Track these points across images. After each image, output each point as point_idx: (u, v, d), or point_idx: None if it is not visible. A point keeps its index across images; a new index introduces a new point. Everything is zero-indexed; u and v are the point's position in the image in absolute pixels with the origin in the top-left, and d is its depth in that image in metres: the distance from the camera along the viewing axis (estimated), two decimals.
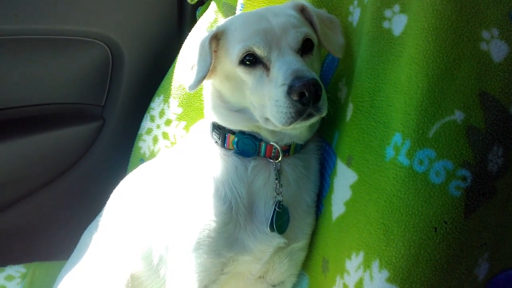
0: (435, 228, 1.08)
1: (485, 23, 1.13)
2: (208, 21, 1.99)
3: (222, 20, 1.98)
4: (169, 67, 2.06)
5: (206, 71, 1.27)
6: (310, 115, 1.19)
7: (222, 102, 1.35)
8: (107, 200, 1.71)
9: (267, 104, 1.22)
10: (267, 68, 1.24)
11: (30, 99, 2.01)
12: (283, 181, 1.35)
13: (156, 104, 2.00)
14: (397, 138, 1.16)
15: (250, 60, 1.24)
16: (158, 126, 1.97)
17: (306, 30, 1.28)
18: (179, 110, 1.93)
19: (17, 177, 1.98)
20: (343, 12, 1.54)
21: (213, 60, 1.28)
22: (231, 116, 1.34)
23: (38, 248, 2.02)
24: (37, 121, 2.00)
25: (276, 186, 1.33)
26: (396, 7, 1.25)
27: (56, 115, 2.05)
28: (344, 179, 1.29)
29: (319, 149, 1.44)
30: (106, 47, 2.07)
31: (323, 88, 1.19)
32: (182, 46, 2.05)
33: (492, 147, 1.11)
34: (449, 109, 1.12)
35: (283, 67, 1.19)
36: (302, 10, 1.37)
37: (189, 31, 2.08)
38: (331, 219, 1.31)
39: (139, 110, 2.07)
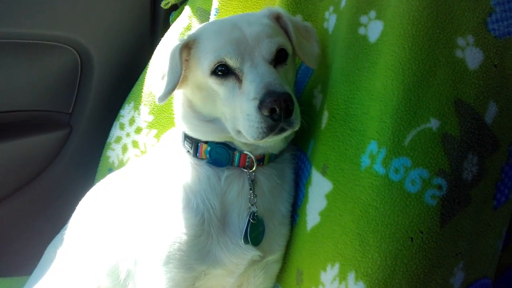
0: (411, 238, 1.06)
1: (460, 30, 1.12)
2: (182, 26, 1.96)
3: (196, 26, 1.95)
4: (141, 73, 2.01)
5: (175, 82, 1.23)
6: (282, 130, 1.16)
7: (193, 112, 1.31)
8: (72, 212, 1.64)
9: (239, 117, 1.19)
10: (239, 80, 1.20)
11: None
12: (258, 191, 1.31)
13: (126, 112, 1.94)
14: (372, 146, 1.14)
15: (222, 71, 1.21)
16: (128, 134, 1.92)
17: (280, 40, 1.24)
18: (150, 118, 1.87)
19: None
20: (318, 18, 1.53)
21: (183, 71, 1.25)
22: (203, 126, 1.30)
23: None
24: (1, 128, 1.91)
25: (250, 196, 1.29)
26: (372, 13, 1.23)
27: (21, 122, 1.97)
28: (319, 188, 1.26)
29: (294, 158, 1.41)
30: (75, 52, 2.01)
31: (295, 103, 1.16)
32: (155, 52, 2.01)
33: (467, 155, 1.10)
34: (425, 116, 1.10)
35: (255, 80, 1.16)
36: (277, 18, 1.33)
37: (162, 36, 2.04)
38: (305, 230, 1.27)
39: (108, 118, 2.00)
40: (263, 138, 1.15)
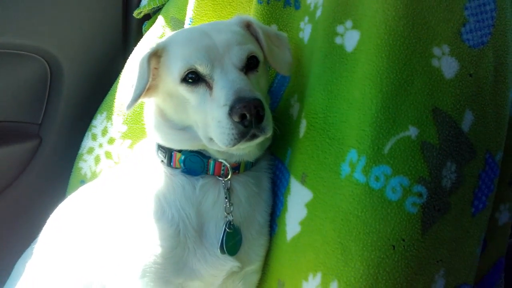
0: (393, 246, 1.06)
1: (436, 40, 1.14)
2: (156, 35, 1.93)
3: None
4: (113, 83, 1.97)
5: (142, 89, 1.21)
6: (254, 136, 1.16)
7: (165, 121, 1.29)
8: (43, 225, 1.58)
9: (210, 124, 1.17)
10: (210, 87, 1.19)
11: None
12: (234, 200, 1.29)
13: (99, 122, 1.90)
14: (352, 154, 1.15)
15: (193, 78, 1.20)
16: (100, 145, 1.87)
17: (250, 47, 1.24)
18: (124, 128, 1.83)
19: None
20: (293, 28, 1.53)
21: (151, 79, 1.23)
22: (175, 135, 1.28)
23: None
24: None
25: (226, 205, 1.27)
26: (349, 23, 1.24)
27: None
28: (298, 197, 1.25)
29: (271, 167, 1.40)
30: (44, 61, 1.95)
31: (266, 108, 1.16)
32: (127, 61, 1.97)
33: (445, 162, 1.11)
34: (404, 124, 1.11)
35: (225, 87, 1.15)
36: (248, 26, 1.33)
37: (135, 45, 2.00)
38: (285, 240, 1.26)
39: (79, 128, 1.95)
40: (234, 144, 1.14)
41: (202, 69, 1.19)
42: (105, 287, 1.32)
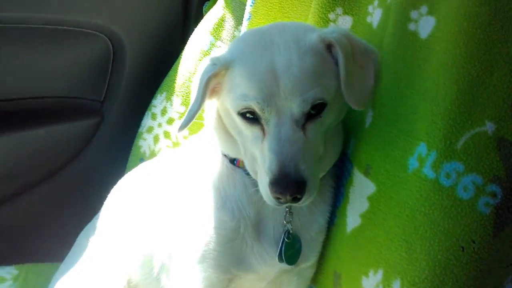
0: (462, 248, 1.01)
1: None
2: (216, 17, 1.92)
3: (230, 18, 1.90)
4: (173, 64, 1.98)
5: (196, 111, 1.16)
6: (296, 200, 1.08)
7: (223, 128, 1.23)
8: (104, 200, 1.63)
9: (258, 163, 1.13)
10: (263, 131, 1.12)
11: (26, 91, 1.91)
12: (294, 209, 1.25)
13: (158, 102, 1.92)
14: (421, 148, 1.09)
15: (250, 114, 1.12)
16: (159, 125, 1.89)
17: (317, 94, 1.10)
18: (182, 109, 1.84)
19: (8, 173, 1.88)
20: (361, 12, 1.47)
21: (206, 100, 1.18)
22: (231, 144, 1.23)
23: (30, 249, 1.92)
24: (32, 114, 1.91)
25: (286, 214, 1.24)
26: (424, 9, 1.17)
27: (52, 108, 1.96)
28: (361, 190, 1.21)
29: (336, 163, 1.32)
30: (108, 39, 1.98)
31: (311, 181, 1.07)
32: (187, 42, 1.97)
33: None
34: (480, 119, 1.04)
35: (273, 150, 1.07)
36: (329, 46, 1.18)
37: (195, 26, 2.00)
38: (345, 231, 1.23)
39: (139, 107, 1.98)
40: (275, 205, 1.10)
41: (259, 111, 1.11)
42: (164, 265, 1.35)
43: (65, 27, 1.89)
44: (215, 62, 1.17)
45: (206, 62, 1.20)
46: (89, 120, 2.01)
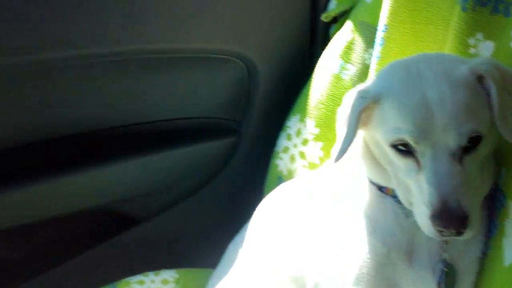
0: None
1: None
2: (346, 40, 1.98)
3: (359, 41, 1.95)
4: (302, 86, 2.09)
5: (348, 144, 1.21)
6: (459, 234, 1.11)
7: (371, 157, 1.28)
8: (248, 212, 1.76)
9: (412, 194, 1.17)
10: (418, 162, 1.15)
11: (173, 113, 2.13)
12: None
13: (293, 123, 2.03)
14: None
15: (403, 146, 1.16)
16: (295, 145, 2.00)
17: (473, 128, 1.11)
18: (316, 131, 1.94)
19: (159, 188, 2.12)
20: (504, 37, 1.45)
21: (357, 134, 1.24)
22: (381, 172, 1.27)
23: (186, 255, 2.16)
24: (180, 134, 2.12)
25: (442, 243, 1.26)
26: None
27: (195, 128, 2.16)
28: None
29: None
30: (243, 65, 2.14)
31: (473, 214, 1.09)
32: (316, 65, 2.06)
33: None
34: None
35: (431, 183, 1.10)
36: (480, 78, 1.18)
37: (322, 49, 2.08)
38: (502, 265, 1.20)
39: (274, 127, 2.11)
40: (436, 237, 1.13)
41: (413, 144, 1.14)
42: (318, 284, 1.42)
43: (208, 55, 2.08)
44: (364, 96, 1.23)
45: (354, 94, 1.27)
46: (227, 139, 2.19)
